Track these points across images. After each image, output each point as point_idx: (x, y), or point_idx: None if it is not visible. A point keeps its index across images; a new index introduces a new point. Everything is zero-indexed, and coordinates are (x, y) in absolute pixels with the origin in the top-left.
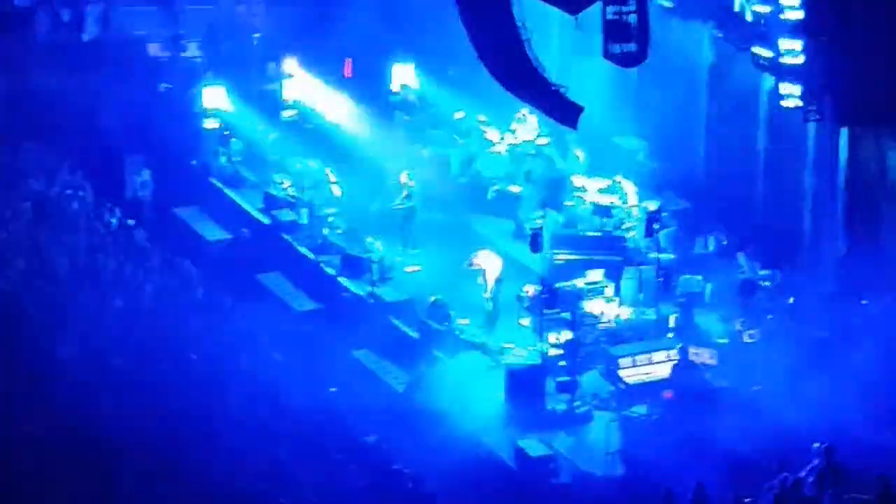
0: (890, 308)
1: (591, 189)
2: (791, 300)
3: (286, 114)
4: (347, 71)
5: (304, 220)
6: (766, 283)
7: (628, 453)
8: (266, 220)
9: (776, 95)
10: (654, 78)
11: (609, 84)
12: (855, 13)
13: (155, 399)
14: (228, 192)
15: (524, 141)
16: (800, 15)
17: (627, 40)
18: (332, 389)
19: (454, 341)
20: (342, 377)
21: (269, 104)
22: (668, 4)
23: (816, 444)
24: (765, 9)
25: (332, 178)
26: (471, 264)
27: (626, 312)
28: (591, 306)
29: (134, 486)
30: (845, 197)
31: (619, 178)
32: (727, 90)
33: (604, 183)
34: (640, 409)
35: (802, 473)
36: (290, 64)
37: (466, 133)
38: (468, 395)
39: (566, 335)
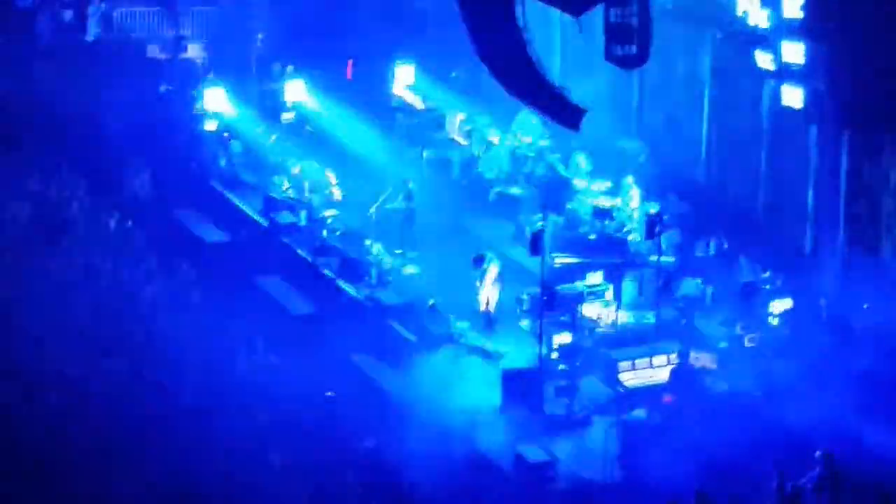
0: (891, 312)
1: (592, 191)
2: (792, 304)
3: (286, 116)
4: (348, 73)
5: (303, 223)
6: (767, 287)
7: (627, 458)
8: (265, 223)
9: (778, 99)
10: (655, 80)
11: (611, 87)
12: (856, 16)
13: (151, 401)
14: (228, 193)
15: (525, 143)
16: (801, 18)
17: (629, 43)
18: (330, 393)
19: (453, 345)
20: (339, 381)
21: (270, 106)
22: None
23: (818, 453)
24: (766, 13)
25: (333, 180)
26: (478, 261)
27: (626, 316)
28: (591, 310)
29: (128, 487)
30: (847, 200)
31: (629, 180)
32: (729, 93)
33: (605, 186)
34: (640, 414)
35: (802, 481)
36: (291, 66)
37: (467, 135)
38: (466, 399)
39: (565, 338)
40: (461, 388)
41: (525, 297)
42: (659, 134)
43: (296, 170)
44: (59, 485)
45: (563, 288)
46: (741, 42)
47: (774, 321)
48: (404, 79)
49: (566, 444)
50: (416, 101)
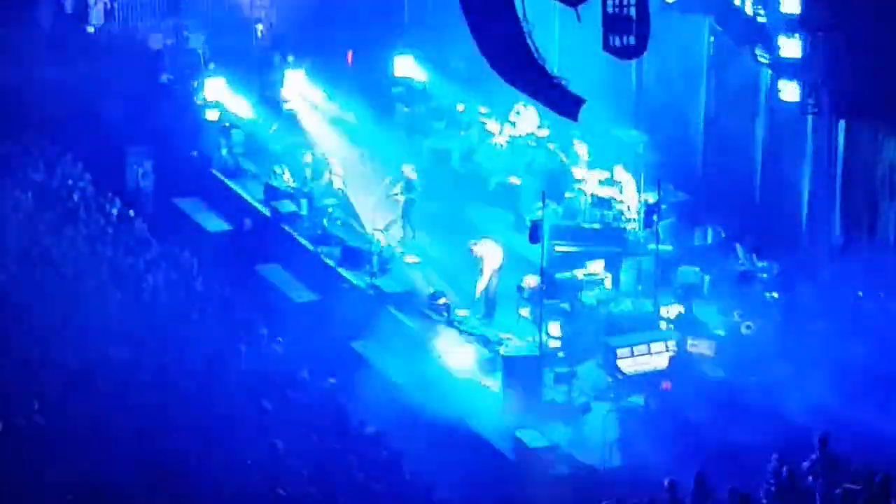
0: (886, 299)
1: (591, 181)
2: (788, 292)
3: (287, 105)
4: (349, 62)
5: (305, 212)
6: (764, 275)
7: (626, 444)
8: (266, 212)
9: (774, 89)
10: (653, 71)
11: (609, 77)
12: (853, 7)
13: (153, 390)
14: (229, 183)
15: (524, 132)
16: (798, 9)
17: (627, 33)
18: (331, 380)
19: (453, 332)
20: (341, 368)
21: (270, 96)
22: None
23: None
24: (763, 4)
25: (339, 170)
26: (471, 249)
27: (624, 304)
28: (590, 297)
29: (131, 476)
30: (842, 189)
31: (618, 168)
32: (726, 83)
33: (604, 175)
34: (638, 400)
35: (804, 465)
36: (291, 56)
37: (467, 125)
38: (466, 385)
39: (565, 326)
40: (461, 375)
41: (525, 285)
42: (657, 124)
43: (307, 158)
44: (60, 471)
45: (562, 276)
46: (738, 32)
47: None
48: (404, 69)
49: (565, 430)
50: (416, 91)
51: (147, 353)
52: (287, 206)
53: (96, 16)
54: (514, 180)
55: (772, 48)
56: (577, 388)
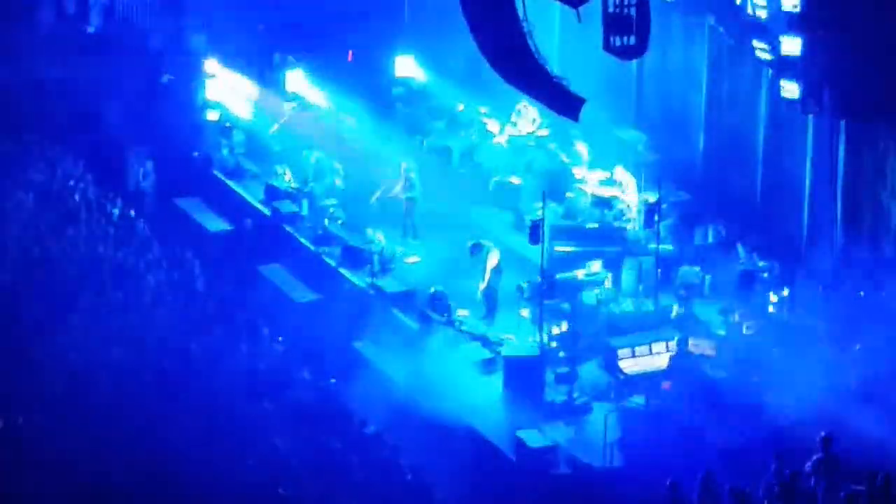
0: (887, 299)
1: (591, 181)
2: (789, 292)
3: (288, 105)
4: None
5: (305, 212)
6: (765, 275)
7: (627, 444)
8: (267, 212)
9: (775, 88)
10: (654, 70)
11: (609, 77)
12: (854, 5)
13: (154, 390)
14: (230, 183)
15: (525, 132)
16: (799, 8)
17: (628, 33)
18: (332, 380)
19: (454, 332)
20: (342, 368)
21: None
22: None
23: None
24: (764, 2)
25: (339, 170)
26: (474, 249)
27: (625, 304)
28: (591, 297)
29: (131, 476)
30: (844, 188)
31: (619, 168)
32: (727, 83)
33: (604, 175)
34: (639, 400)
35: (807, 465)
36: (292, 56)
37: (467, 124)
38: (467, 385)
39: (565, 326)
40: (462, 375)
41: (525, 285)
42: (657, 123)
43: (311, 159)
44: (61, 473)
45: (563, 276)
46: (739, 31)
47: (772, 309)
48: (404, 68)
49: (566, 430)
50: (415, 91)
51: (148, 354)
52: (288, 207)
53: (96, 16)
54: (515, 180)
55: (772, 46)
56: (578, 388)
